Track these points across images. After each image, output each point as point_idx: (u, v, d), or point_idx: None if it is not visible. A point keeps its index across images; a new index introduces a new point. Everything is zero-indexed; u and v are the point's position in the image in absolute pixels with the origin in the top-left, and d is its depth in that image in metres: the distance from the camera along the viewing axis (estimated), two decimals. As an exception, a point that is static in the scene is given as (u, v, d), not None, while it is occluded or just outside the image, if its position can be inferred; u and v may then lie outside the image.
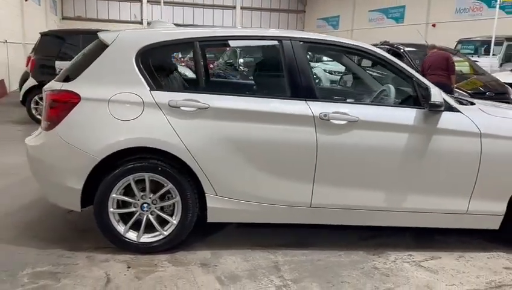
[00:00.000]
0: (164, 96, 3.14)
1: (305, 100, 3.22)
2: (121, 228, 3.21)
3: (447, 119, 3.28)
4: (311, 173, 3.21)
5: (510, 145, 3.30)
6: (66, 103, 3.12)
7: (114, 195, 3.15)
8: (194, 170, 3.13)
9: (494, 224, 3.44)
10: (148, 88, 3.15)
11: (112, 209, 3.18)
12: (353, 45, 3.45)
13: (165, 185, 3.16)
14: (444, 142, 3.26)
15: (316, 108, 3.19)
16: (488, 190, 3.36)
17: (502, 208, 3.39)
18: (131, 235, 3.22)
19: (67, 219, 3.81)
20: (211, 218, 3.26)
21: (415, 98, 3.35)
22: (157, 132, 3.12)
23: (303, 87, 3.25)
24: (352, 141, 3.20)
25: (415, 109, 3.30)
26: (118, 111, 3.09)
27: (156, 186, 3.18)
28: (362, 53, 3.54)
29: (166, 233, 3.22)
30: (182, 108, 3.12)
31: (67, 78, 3.27)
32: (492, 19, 13.25)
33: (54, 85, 3.26)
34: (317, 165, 3.19)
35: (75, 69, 3.31)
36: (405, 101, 3.48)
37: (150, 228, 3.22)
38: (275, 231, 3.65)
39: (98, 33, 3.42)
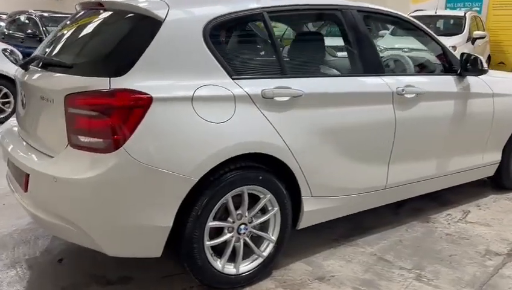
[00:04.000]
0: (254, 86, 2.44)
1: (380, 76, 2.97)
2: (217, 263, 2.44)
3: (472, 83, 3.50)
4: (388, 153, 3.02)
5: (508, 101, 3.75)
6: (131, 108, 2.12)
7: (211, 223, 2.36)
8: (294, 171, 2.57)
9: (492, 171, 3.91)
10: (228, 75, 2.39)
11: (208, 243, 2.38)
12: (396, 14, 3.30)
13: (262, 196, 2.52)
14: (475, 104, 3.49)
15: (391, 83, 2.98)
16: (494, 143, 3.78)
17: (499, 157, 3.87)
18: (229, 269, 2.49)
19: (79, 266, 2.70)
20: (304, 223, 2.77)
21: (449, 66, 3.45)
22: (259, 132, 2.43)
23: (376, 62, 2.98)
24: (421, 114, 3.13)
25: (452, 76, 3.41)
26: (205, 110, 2.27)
27: (249, 201, 2.50)
28: (404, 22, 3.42)
29: (265, 254, 2.59)
30: (275, 98, 2.49)
31: (95, 70, 2.21)
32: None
33: (88, 83, 2.15)
34: (394, 143, 3.02)
35: (109, 56, 2.26)
36: (440, 69, 3.53)
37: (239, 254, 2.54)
38: (324, 224, 3.34)
39: (131, 3, 2.39)
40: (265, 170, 2.48)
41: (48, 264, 2.77)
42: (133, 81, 2.15)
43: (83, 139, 2.15)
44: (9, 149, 2.62)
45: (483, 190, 4.08)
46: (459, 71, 3.41)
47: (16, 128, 2.85)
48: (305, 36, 3.00)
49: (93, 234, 2.17)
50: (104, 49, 2.32)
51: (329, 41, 3.25)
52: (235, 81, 2.39)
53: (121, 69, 2.16)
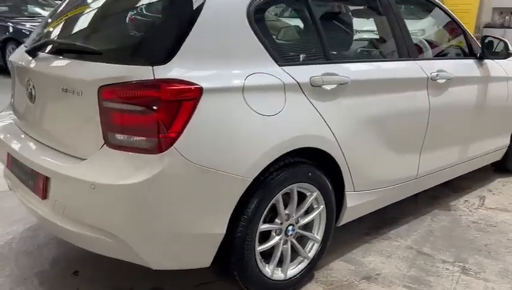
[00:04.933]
0: (302, 73, 2.20)
1: (415, 60, 2.81)
2: (266, 269, 2.21)
3: (491, 66, 3.42)
4: (421, 141, 2.89)
5: None
6: (181, 101, 1.83)
7: (262, 226, 2.13)
8: (340, 165, 2.38)
9: (500, 156, 3.89)
10: (275, 62, 2.14)
11: (258, 248, 2.15)
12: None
13: (309, 194, 2.31)
14: (494, 88, 3.42)
15: (426, 68, 2.83)
16: (505, 127, 3.75)
17: (508, 141, 3.85)
18: (278, 274, 2.27)
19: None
20: (345, 220, 2.59)
21: (469, 49, 3.34)
22: (310, 124, 2.21)
23: (410, 46, 2.81)
24: (450, 100, 3.01)
25: (473, 60, 3.31)
26: (257, 102, 2.01)
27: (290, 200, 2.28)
28: (432, 5, 3.26)
29: (310, 255, 2.39)
30: (323, 86, 2.27)
31: (133, 58, 1.90)
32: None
33: (127, 73, 1.83)
34: (427, 131, 2.88)
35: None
36: (460, 52, 3.42)
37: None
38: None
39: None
40: (313, 166, 2.26)
41: (62, 278, 2.44)
42: (178, 69, 1.85)
43: (124, 137, 1.84)
44: (14, 147, 2.26)
45: (487, 175, 4.06)
46: (478, 54, 3.32)
47: (14, 124, 2.47)
48: (346, 18, 2.78)
49: (137, 247, 1.88)
50: (141, 33, 2.01)
51: (366, 24, 3.05)
52: (282, 68, 2.15)
53: (163, 56, 1.86)
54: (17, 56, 2.45)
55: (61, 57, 2.08)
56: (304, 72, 2.20)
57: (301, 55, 2.32)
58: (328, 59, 2.36)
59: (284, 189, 2.16)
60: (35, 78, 2.16)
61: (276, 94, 2.09)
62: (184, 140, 1.82)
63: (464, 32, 3.34)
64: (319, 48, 2.36)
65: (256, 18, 2.12)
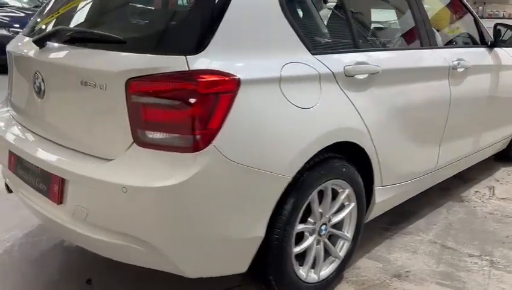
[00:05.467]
0: (335, 62, 2.06)
1: (436, 49, 2.73)
2: (300, 271, 2.08)
3: (501, 54, 3.37)
4: (442, 132, 2.81)
5: None
6: (218, 94, 1.67)
7: (298, 227, 1.99)
8: (372, 159, 2.26)
9: (506, 145, 3.87)
10: (308, 50, 2.00)
11: (295, 250, 2.01)
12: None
13: (341, 190, 2.18)
14: (505, 76, 3.39)
15: (447, 57, 2.74)
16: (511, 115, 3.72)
17: (513, 130, 3.84)
18: (312, 276, 2.15)
19: None
20: (372, 216, 2.48)
21: (481, 37, 3.28)
22: (346, 117, 2.08)
23: (432, 34, 2.72)
24: (468, 89, 2.94)
25: (484, 48, 3.25)
26: (294, 94, 1.86)
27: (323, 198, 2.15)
28: None
29: (341, 255, 2.28)
30: (356, 76, 2.14)
31: (163, 47, 1.72)
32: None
33: (159, 64, 1.65)
34: (447, 121, 2.80)
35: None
36: (472, 41, 3.34)
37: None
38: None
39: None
40: (347, 161, 2.14)
41: (75, 288, 2.25)
42: (213, 59, 1.68)
43: (156, 135, 1.67)
44: (20, 147, 2.05)
45: (490, 164, 4.03)
46: (490, 43, 3.26)
47: (16, 121, 2.25)
48: (372, 5, 2.66)
49: (172, 254, 1.71)
50: (170, 19, 1.83)
51: (389, 10, 2.93)
52: (315, 56, 2.00)
53: (196, 45, 1.68)
54: (18, 46, 2.22)
55: (77, 47, 1.87)
56: (337, 61, 2.07)
57: (332, 43, 2.18)
58: (357, 47, 2.24)
59: (320, 186, 2.03)
60: (45, 70, 1.95)
61: (312, 85, 1.95)
62: (223, 137, 1.65)
63: (476, 20, 3.27)
64: (348, 36, 2.23)
65: (288, 3, 1.96)
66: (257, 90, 1.76)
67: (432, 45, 2.70)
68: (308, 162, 1.91)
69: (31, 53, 2.03)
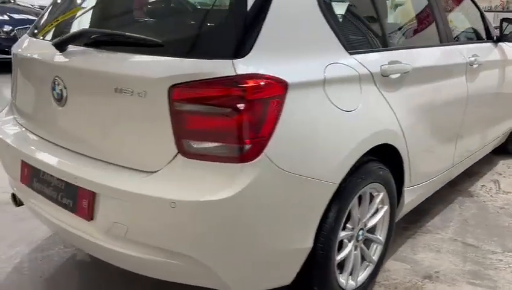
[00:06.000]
0: (371, 62, 2.00)
1: (454, 45, 2.70)
2: (340, 279, 2.01)
3: (506, 49, 3.39)
4: (458, 128, 2.79)
5: None
6: (267, 99, 1.57)
7: (341, 234, 1.92)
8: (404, 160, 2.21)
9: (504, 139, 3.91)
10: (346, 50, 1.92)
11: (338, 258, 1.94)
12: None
13: (376, 194, 2.13)
14: (509, 70, 3.40)
15: (464, 53, 2.72)
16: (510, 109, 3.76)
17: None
18: (350, 283, 2.08)
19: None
20: (399, 217, 2.44)
21: (487, 32, 3.28)
22: (385, 118, 2.02)
23: (448, 30, 2.68)
24: (481, 84, 2.94)
25: (491, 43, 3.26)
26: (337, 96, 1.78)
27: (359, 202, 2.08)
28: None
29: (375, 259, 2.22)
30: (390, 76, 2.08)
31: (207, 50, 1.61)
32: None
33: (204, 69, 1.53)
34: (464, 118, 2.79)
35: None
36: (479, 36, 3.33)
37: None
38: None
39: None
40: (383, 163, 2.08)
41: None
42: (259, 63, 1.58)
43: (203, 145, 1.56)
44: (39, 158, 1.90)
45: (489, 158, 4.05)
46: (495, 38, 3.27)
47: (28, 131, 2.09)
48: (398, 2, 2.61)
49: (221, 270, 1.61)
50: (208, 20, 1.70)
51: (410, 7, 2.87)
52: (352, 56, 1.93)
53: (241, 49, 1.57)
54: (28, 49, 2.05)
55: (105, 51, 1.73)
56: (374, 61, 2.01)
57: (366, 42, 2.11)
58: (387, 46, 2.18)
59: (360, 191, 1.96)
60: (68, 76, 1.80)
61: (353, 86, 1.88)
62: (274, 145, 1.56)
63: (482, 15, 3.27)
64: (380, 34, 2.17)
65: (325, 2, 1.88)
66: (303, 94, 1.67)
67: (449, 41, 2.67)
68: (352, 166, 1.85)
69: (49, 57, 1.87)
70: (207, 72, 1.53)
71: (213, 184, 1.53)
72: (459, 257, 2.54)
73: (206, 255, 1.58)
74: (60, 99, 1.83)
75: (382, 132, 1.99)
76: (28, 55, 2.03)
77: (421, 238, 2.73)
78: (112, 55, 1.70)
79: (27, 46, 2.09)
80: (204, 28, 1.71)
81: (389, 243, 2.30)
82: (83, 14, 2.00)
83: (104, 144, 1.75)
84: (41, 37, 2.08)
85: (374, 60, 2.01)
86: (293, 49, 1.73)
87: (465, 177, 3.62)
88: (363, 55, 1.98)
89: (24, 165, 2.01)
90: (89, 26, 1.93)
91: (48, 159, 1.88)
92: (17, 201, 2.27)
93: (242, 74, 1.53)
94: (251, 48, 1.58)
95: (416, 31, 2.54)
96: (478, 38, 3.23)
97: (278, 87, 1.59)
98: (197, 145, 1.56)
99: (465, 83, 2.71)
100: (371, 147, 1.90)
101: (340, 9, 2.05)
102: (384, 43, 2.16)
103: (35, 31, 2.16)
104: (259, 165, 1.53)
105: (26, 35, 2.22)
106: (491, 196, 3.35)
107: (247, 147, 1.53)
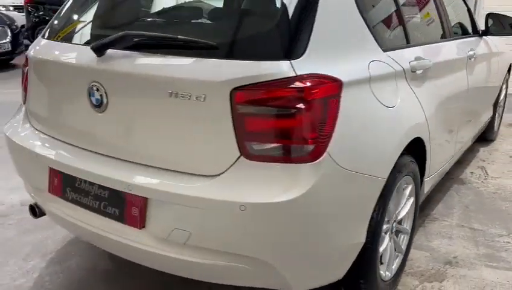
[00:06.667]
0: (402, 58, 2.06)
1: (454, 40, 2.82)
2: (380, 271, 2.07)
3: (489, 43, 3.57)
4: (459, 119, 2.92)
5: (503, 58, 3.94)
6: (326, 99, 1.58)
7: (383, 227, 1.97)
8: (427, 151, 2.29)
9: (484, 128, 4.12)
10: (380, 47, 1.97)
11: (380, 251, 1.99)
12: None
13: (405, 186, 2.20)
14: (494, 63, 3.59)
15: (464, 47, 2.85)
16: (493, 99, 3.96)
17: (491, 112, 4.09)
18: (386, 274, 2.14)
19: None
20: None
21: (473, 27, 3.43)
22: (417, 113, 2.09)
23: (449, 25, 2.80)
24: (475, 77, 3.08)
25: (477, 37, 3.42)
26: (380, 93, 1.83)
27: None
28: None
29: (404, 248, 2.30)
30: (417, 72, 2.15)
31: (263, 52, 1.60)
32: None
33: (265, 70, 1.52)
34: (463, 108, 2.93)
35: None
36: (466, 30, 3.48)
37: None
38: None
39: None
40: (411, 156, 2.15)
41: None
42: (315, 63, 1.60)
43: (267, 146, 1.55)
44: (75, 165, 1.82)
45: (470, 146, 4.28)
46: (481, 32, 3.44)
47: (53, 137, 1.99)
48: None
49: (285, 270, 1.62)
50: (263, 21, 1.68)
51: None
52: (386, 53, 1.98)
53: (297, 49, 1.58)
54: (51, 53, 1.95)
55: (152, 54, 1.68)
56: (403, 57, 2.07)
57: (395, 39, 2.17)
58: (409, 42, 2.25)
59: (398, 184, 2.02)
60: (110, 81, 1.73)
61: (391, 82, 1.94)
62: (335, 144, 1.58)
63: (469, 10, 3.43)
64: (404, 31, 2.23)
65: (360, 1, 1.91)
66: (355, 92, 1.70)
67: (451, 36, 2.79)
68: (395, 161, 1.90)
69: (84, 61, 1.79)
70: (267, 74, 1.52)
71: (279, 185, 1.53)
72: (470, 242, 2.67)
73: (274, 256, 1.59)
74: (100, 106, 1.76)
75: (416, 126, 2.06)
76: (52, 59, 1.93)
77: (431, 226, 2.84)
78: (163, 59, 1.65)
79: (48, 50, 1.99)
80: (257, 29, 1.69)
81: (414, 232, 2.38)
82: (108, 15, 1.92)
83: (156, 149, 1.70)
84: (64, 40, 1.99)
85: (404, 57, 2.07)
86: (340, 48, 1.75)
87: (454, 165, 3.79)
88: (393, 52, 2.03)
89: (54, 174, 1.92)
90: (118, 29, 1.85)
91: (88, 166, 1.80)
92: (36, 213, 2.16)
93: (302, 75, 1.54)
94: (305, 49, 1.59)
95: (429, 27, 2.63)
96: (467, 33, 3.38)
97: (335, 86, 1.61)
98: (260, 147, 1.55)
99: (466, 76, 2.84)
100: (409, 141, 1.96)
101: (371, 7, 2.09)
102: (407, 40, 2.23)
103: (53, 34, 2.06)
104: (323, 164, 1.55)
105: (40, 37, 2.12)
106: (481, 182, 3.53)
107: (311, 147, 1.54)
